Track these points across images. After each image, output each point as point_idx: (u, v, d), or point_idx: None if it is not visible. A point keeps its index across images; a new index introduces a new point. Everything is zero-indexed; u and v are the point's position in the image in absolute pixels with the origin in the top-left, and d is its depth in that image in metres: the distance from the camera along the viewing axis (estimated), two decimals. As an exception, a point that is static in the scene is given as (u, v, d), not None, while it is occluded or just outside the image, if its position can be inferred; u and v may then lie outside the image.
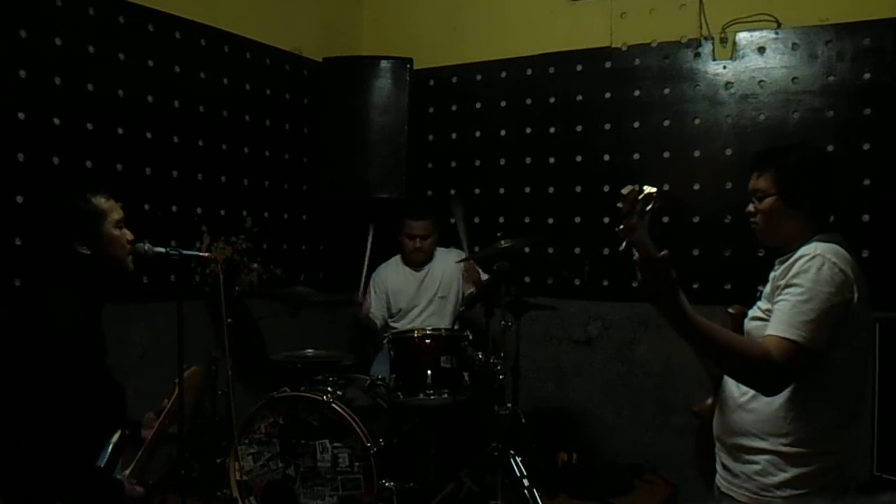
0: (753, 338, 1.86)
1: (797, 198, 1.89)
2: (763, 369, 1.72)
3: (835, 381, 1.81)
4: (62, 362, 1.97)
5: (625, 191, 1.55)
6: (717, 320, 1.79)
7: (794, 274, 1.77)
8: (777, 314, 1.76)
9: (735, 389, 1.93)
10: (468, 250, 3.91)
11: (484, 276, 3.96)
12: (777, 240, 1.95)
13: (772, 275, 1.91)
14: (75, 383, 1.99)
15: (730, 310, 2.06)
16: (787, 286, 1.78)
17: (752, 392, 1.88)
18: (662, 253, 1.61)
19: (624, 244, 1.59)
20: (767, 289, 1.90)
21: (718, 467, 2.01)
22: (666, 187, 3.89)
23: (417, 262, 4.05)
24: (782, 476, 1.83)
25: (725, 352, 1.74)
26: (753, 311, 1.95)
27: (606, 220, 4.03)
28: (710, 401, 2.11)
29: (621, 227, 1.58)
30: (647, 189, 1.54)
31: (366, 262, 4.04)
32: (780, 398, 1.82)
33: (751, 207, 1.98)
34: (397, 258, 4.15)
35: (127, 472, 2.17)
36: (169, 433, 2.28)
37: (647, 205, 1.55)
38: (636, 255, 1.62)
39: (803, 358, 1.71)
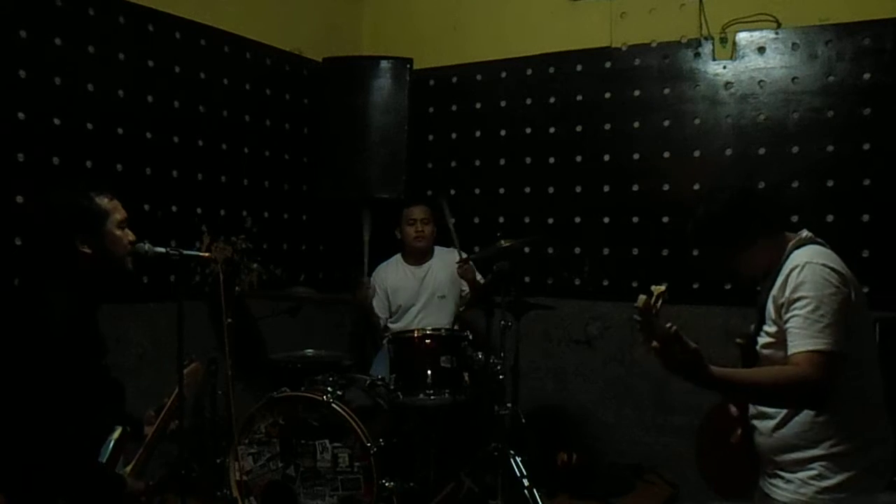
0: (774, 363, 1.89)
1: (742, 237, 1.98)
2: (804, 388, 1.75)
3: (855, 375, 1.84)
4: (60, 359, 1.97)
5: (639, 303, 1.62)
6: (718, 321, 1.80)
7: (794, 288, 1.82)
8: (795, 331, 1.80)
9: (769, 410, 1.95)
10: (459, 249, 3.88)
11: (479, 277, 3.96)
12: (760, 270, 2.01)
13: (767, 296, 1.93)
14: (74, 380, 2.00)
15: (737, 340, 2.08)
16: (792, 302, 1.81)
17: (780, 414, 1.91)
18: (672, 328, 1.62)
19: (649, 349, 1.65)
20: (770, 310, 1.92)
21: (768, 474, 2.00)
22: (666, 187, 3.90)
23: (419, 250, 4.02)
24: (837, 478, 1.84)
25: (763, 390, 1.79)
26: (762, 339, 1.96)
27: (606, 220, 4.03)
28: (739, 432, 2.10)
29: (643, 339, 1.65)
30: (656, 290, 1.63)
31: (366, 248, 4.02)
32: None
33: (725, 269, 2.07)
34: (397, 257, 4.14)
35: (127, 469, 2.18)
36: (168, 431, 2.28)
37: (659, 302, 1.63)
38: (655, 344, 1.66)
39: (835, 364, 1.75)
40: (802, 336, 1.77)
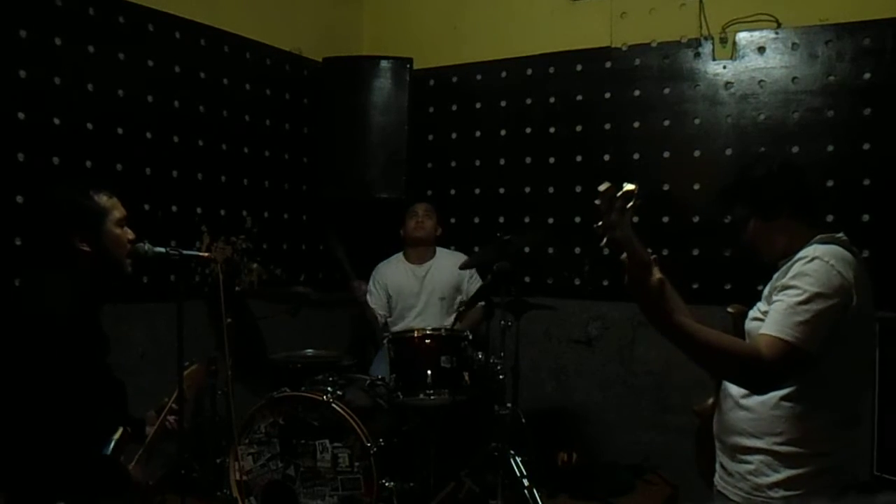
0: (752, 338, 1.85)
1: (772, 209, 1.91)
2: (752, 367, 1.70)
3: (832, 383, 1.81)
4: (63, 357, 1.97)
5: (602, 188, 1.55)
6: (717, 320, 1.79)
7: (793, 276, 1.78)
8: (772, 314, 1.76)
9: (732, 389, 1.94)
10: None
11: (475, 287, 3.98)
12: (776, 253, 1.95)
13: (774, 275, 1.92)
14: (77, 378, 1.99)
15: (729, 309, 2.06)
16: (784, 287, 1.77)
17: (741, 395, 1.89)
18: (653, 256, 1.60)
19: (604, 241, 1.59)
20: (766, 290, 1.91)
21: (717, 466, 2.02)
22: (666, 187, 3.90)
23: (418, 241, 4.02)
24: (775, 477, 1.83)
25: (713, 352, 1.71)
26: (753, 312, 1.95)
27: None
28: (710, 401, 2.12)
29: (599, 223, 1.57)
30: (627, 186, 1.54)
31: (346, 264, 4.00)
32: (777, 398, 1.82)
33: (742, 238, 2.01)
34: (399, 255, 4.14)
35: (129, 468, 2.18)
36: (170, 431, 2.28)
37: (627, 202, 1.53)
38: (624, 255, 1.61)
39: (794, 358, 1.70)
40: (777, 322, 1.73)
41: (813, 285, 1.73)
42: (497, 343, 3.49)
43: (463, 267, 3.86)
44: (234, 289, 3.74)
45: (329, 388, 3.24)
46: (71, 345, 1.99)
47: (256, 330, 3.93)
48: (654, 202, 3.90)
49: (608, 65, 4.04)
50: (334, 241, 3.94)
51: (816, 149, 3.56)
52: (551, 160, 4.21)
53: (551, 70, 4.19)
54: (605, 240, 1.58)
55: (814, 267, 1.76)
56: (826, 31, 3.55)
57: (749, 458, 1.87)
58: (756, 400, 1.86)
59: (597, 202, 1.56)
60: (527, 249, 3.92)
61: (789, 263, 1.84)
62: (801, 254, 1.83)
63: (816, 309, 1.71)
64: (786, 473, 1.82)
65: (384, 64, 4.26)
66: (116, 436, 2.12)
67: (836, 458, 1.83)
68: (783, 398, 1.82)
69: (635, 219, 1.60)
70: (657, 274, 1.60)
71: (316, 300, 3.75)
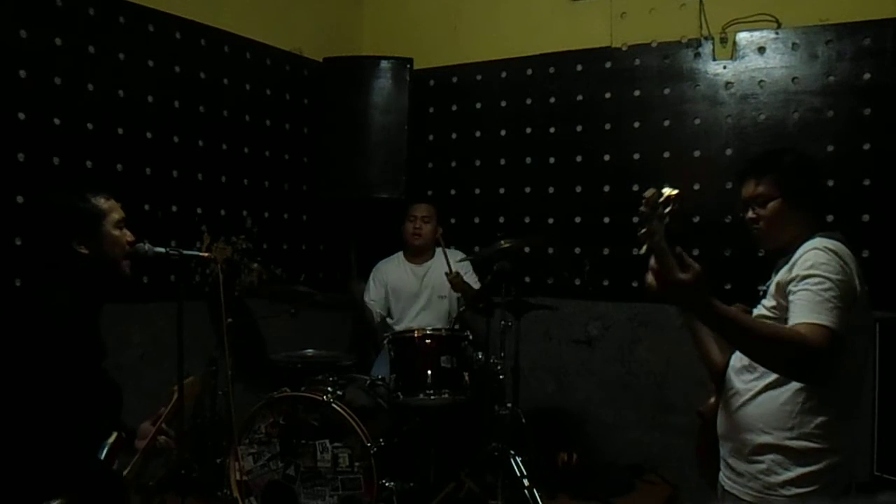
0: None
1: (799, 198, 1.94)
2: (803, 353, 1.70)
3: (839, 377, 1.83)
4: (59, 359, 1.97)
5: (647, 194, 1.56)
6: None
7: (809, 266, 1.80)
8: (800, 304, 1.77)
9: (740, 386, 1.95)
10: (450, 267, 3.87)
11: (475, 280, 3.97)
12: (780, 243, 1.97)
13: (774, 275, 1.92)
14: (71, 381, 1.99)
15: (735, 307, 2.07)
16: (803, 278, 1.79)
17: (757, 388, 1.90)
18: (698, 267, 1.59)
19: (644, 248, 1.59)
20: (772, 287, 1.92)
21: (722, 466, 2.02)
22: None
23: (416, 247, 4.04)
24: (786, 475, 1.84)
25: (764, 340, 1.72)
26: (758, 310, 1.96)
27: (606, 220, 4.03)
28: (713, 400, 2.12)
29: (643, 230, 1.57)
30: (667, 192, 1.55)
31: (354, 265, 3.97)
32: (787, 392, 1.84)
33: (751, 214, 2.01)
34: (399, 255, 4.15)
35: (123, 473, 2.17)
36: (163, 445, 2.26)
37: (667, 207, 1.55)
38: (653, 261, 1.61)
39: (835, 342, 1.72)
40: (808, 309, 1.74)
41: (831, 273, 1.77)
42: (497, 343, 3.49)
43: (462, 262, 3.87)
44: (234, 289, 3.74)
45: (329, 388, 3.24)
46: (68, 350, 1.99)
47: (256, 330, 3.93)
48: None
49: (608, 65, 4.04)
50: (352, 242, 3.92)
51: (816, 149, 3.56)
52: (551, 160, 4.21)
53: (551, 70, 4.19)
54: (644, 247, 1.58)
55: (827, 256, 1.80)
56: (826, 31, 3.55)
57: (760, 457, 1.88)
58: (765, 396, 1.88)
59: (641, 209, 1.56)
60: (527, 250, 3.92)
61: (795, 257, 1.86)
62: (806, 245, 1.86)
63: (839, 294, 1.75)
64: (797, 471, 1.83)
65: (384, 64, 4.26)
66: (111, 440, 2.11)
67: (843, 453, 1.85)
68: (793, 393, 1.84)
69: (635, 219, 1.59)
70: (692, 266, 1.59)
71: (316, 300, 3.74)
